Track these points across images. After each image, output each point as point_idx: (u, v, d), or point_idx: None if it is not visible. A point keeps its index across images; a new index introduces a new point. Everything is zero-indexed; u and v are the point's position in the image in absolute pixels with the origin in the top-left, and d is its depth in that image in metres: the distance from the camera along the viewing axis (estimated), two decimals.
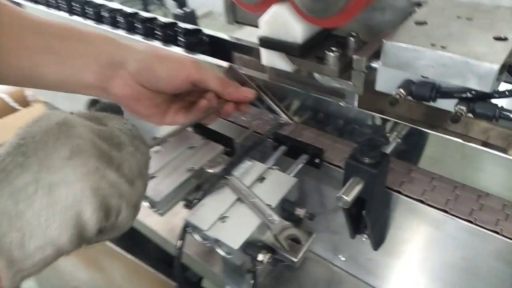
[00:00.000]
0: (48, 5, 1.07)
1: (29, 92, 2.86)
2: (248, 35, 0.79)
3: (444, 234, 0.54)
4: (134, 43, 0.58)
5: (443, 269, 0.58)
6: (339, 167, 0.60)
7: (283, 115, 0.64)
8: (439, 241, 0.56)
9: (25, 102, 2.86)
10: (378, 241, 0.60)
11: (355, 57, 0.50)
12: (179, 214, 0.60)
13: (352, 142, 0.64)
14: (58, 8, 1.04)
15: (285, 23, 0.55)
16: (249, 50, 0.83)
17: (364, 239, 0.60)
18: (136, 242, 1.53)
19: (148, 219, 0.88)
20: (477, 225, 0.51)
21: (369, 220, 0.53)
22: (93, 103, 1.03)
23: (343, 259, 0.72)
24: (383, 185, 0.53)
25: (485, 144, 0.53)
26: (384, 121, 0.58)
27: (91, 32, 0.56)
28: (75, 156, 0.33)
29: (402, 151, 0.58)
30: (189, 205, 0.52)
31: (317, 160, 0.58)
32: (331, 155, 0.62)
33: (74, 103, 1.19)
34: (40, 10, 1.08)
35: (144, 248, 1.59)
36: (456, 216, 0.52)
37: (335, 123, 0.64)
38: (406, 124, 0.55)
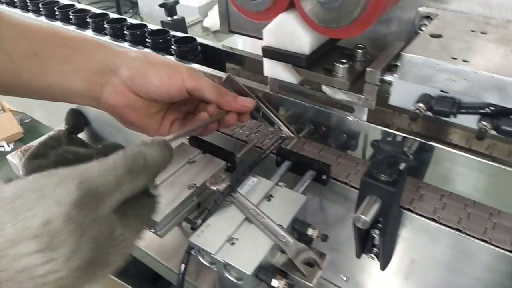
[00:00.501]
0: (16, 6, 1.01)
1: None
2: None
3: (457, 253, 0.53)
4: (126, 49, 0.54)
5: None
6: (345, 183, 0.58)
7: (285, 129, 0.61)
8: (451, 260, 0.54)
9: None
10: (386, 261, 0.58)
11: (368, 69, 0.48)
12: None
13: (356, 157, 0.62)
14: (36, 12, 0.98)
15: (292, 32, 0.52)
16: (243, 60, 0.81)
17: (370, 259, 0.58)
18: None
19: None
20: (492, 244, 0.49)
21: (383, 240, 0.50)
22: (72, 114, 0.97)
23: (344, 278, 0.69)
24: (398, 204, 0.50)
25: (494, 159, 0.52)
26: (386, 135, 0.56)
27: (80, 37, 0.52)
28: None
29: (410, 167, 0.56)
30: (195, 227, 0.48)
31: (324, 177, 0.56)
32: (335, 171, 0.60)
33: (51, 112, 1.13)
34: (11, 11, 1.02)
35: (125, 267, 1.51)
36: (471, 236, 0.50)
37: (338, 137, 0.62)
38: (417, 139, 0.53)
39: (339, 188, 0.59)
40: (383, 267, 0.58)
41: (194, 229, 0.51)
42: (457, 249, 0.52)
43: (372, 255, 0.57)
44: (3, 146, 2.59)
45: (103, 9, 0.89)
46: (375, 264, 0.59)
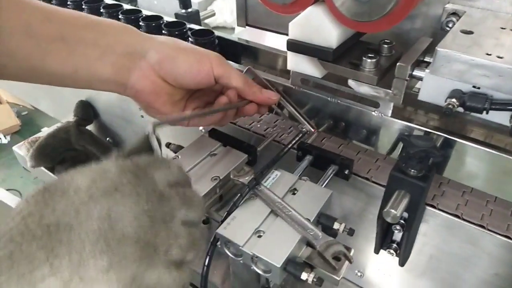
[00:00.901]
0: None
1: None
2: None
3: (478, 250, 0.53)
4: (154, 35, 0.54)
5: (474, 286, 0.56)
6: (367, 179, 0.58)
7: (306, 123, 0.61)
8: (471, 257, 0.54)
9: None
10: (406, 257, 0.58)
11: (399, 64, 0.48)
12: None
13: (376, 152, 0.62)
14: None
15: (320, 26, 0.52)
16: (258, 54, 0.80)
17: (390, 254, 0.58)
18: None
19: None
20: None
21: (407, 236, 0.50)
22: (82, 105, 0.96)
23: (359, 274, 0.69)
24: (425, 199, 0.50)
25: None
26: (411, 130, 0.56)
27: (107, 21, 0.51)
28: (112, 269, 0.27)
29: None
30: (213, 220, 0.48)
31: (346, 172, 0.56)
32: (355, 166, 0.60)
33: (58, 104, 1.11)
34: None
35: None
36: (493, 232, 0.50)
37: (358, 132, 0.62)
38: (441, 135, 0.53)
39: (360, 183, 0.59)
40: (402, 263, 0.58)
41: (205, 222, 0.51)
42: (478, 245, 0.53)
43: (391, 251, 0.57)
44: (0, 138, 2.55)
45: None
46: (391, 260, 0.59)
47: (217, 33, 0.77)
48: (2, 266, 0.25)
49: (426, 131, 0.54)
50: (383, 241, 0.57)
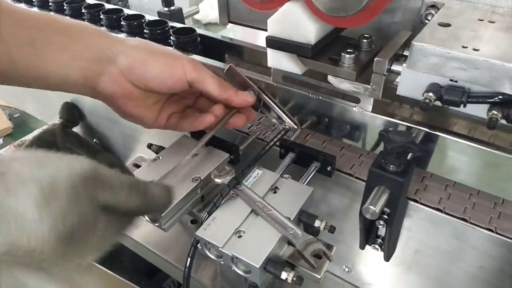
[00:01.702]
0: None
1: None
2: None
3: (462, 244, 0.53)
4: (126, 38, 0.53)
5: (460, 280, 0.56)
6: (350, 174, 0.58)
7: (288, 120, 0.61)
8: (456, 251, 0.54)
9: None
10: (390, 252, 0.58)
11: (376, 59, 0.48)
12: None
13: (359, 148, 0.62)
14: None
15: (298, 22, 0.52)
16: (242, 51, 0.80)
17: (375, 250, 0.57)
18: (111, 254, 1.45)
19: (134, 231, 0.82)
20: (497, 233, 0.49)
21: (389, 231, 0.50)
22: (67, 107, 0.95)
23: (346, 270, 0.69)
24: (406, 194, 0.50)
25: (499, 148, 0.52)
26: (392, 125, 0.56)
27: (80, 24, 0.51)
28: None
29: (414, 157, 0.56)
30: (198, 220, 0.48)
31: (329, 168, 0.55)
32: (339, 162, 0.59)
33: (44, 106, 1.11)
34: None
35: (121, 260, 1.50)
36: (476, 225, 0.50)
37: (341, 128, 0.61)
38: (422, 129, 0.53)
39: (343, 179, 0.58)
40: (387, 258, 0.58)
41: (194, 222, 0.50)
42: (462, 238, 0.53)
43: (377, 246, 0.57)
44: None
45: None
46: (378, 255, 0.59)
47: (199, 31, 0.76)
48: None
49: (407, 125, 0.54)
50: (368, 236, 0.57)
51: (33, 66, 0.47)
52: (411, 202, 0.54)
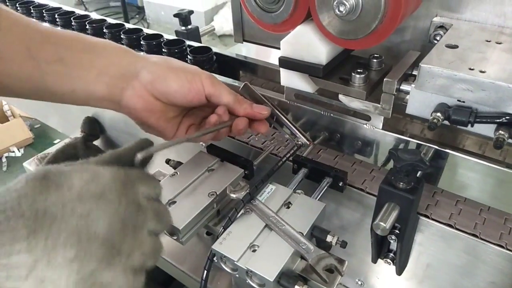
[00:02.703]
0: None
1: (6, 107, 2.77)
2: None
3: (473, 259, 0.53)
4: (147, 55, 0.56)
5: None
6: (361, 190, 0.59)
7: (300, 136, 0.62)
8: (467, 266, 0.55)
9: (3, 118, 2.77)
10: (402, 266, 0.59)
11: (386, 79, 0.49)
12: None
13: (371, 164, 0.63)
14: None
15: (309, 43, 0.54)
16: (256, 68, 0.82)
17: (387, 264, 0.59)
18: None
19: None
20: (508, 249, 0.50)
21: (400, 246, 0.51)
22: (88, 121, 0.99)
23: (359, 283, 0.70)
24: (416, 210, 0.51)
25: (508, 166, 0.53)
26: (402, 142, 0.57)
27: (103, 42, 0.54)
28: (76, 260, 0.31)
29: (425, 174, 0.57)
30: (213, 234, 0.50)
31: (341, 184, 0.57)
32: (351, 178, 0.61)
33: (66, 120, 1.15)
34: None
35: None
36: (487, 241, 0.51)
37: (353, 144, 0.63)
38: (432, 146, 0.54)
39: (355, 194, 0.60)
40: (399, 272, 0.59)
41: (209, 234, 0.52)
42: (473, 254, 0.53)
43: (389, 260, 0.58)
44: (14, 152, 2.62)
45: (109, 15, 0.91)
46: (390, 268, 0.60)
47: (215, 49, 0.79)
48: None
49: (417, 143, 0.55)
50: (380, 250, 0.58)
51: (62, 82, 0.50)
52: (422, 218, 0.55)
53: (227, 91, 0.55)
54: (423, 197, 0.57)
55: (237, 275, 0.48)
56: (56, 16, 0.95)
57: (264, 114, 0.58)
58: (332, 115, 0.60)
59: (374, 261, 0.59)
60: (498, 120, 0.44)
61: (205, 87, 0.53)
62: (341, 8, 0.47)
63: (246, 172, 0.60)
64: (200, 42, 0.84)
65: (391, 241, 0.55)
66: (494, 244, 0.51)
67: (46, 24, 1.00)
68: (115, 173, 0.36)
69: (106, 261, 0.32)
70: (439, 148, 0.54)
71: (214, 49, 0.79)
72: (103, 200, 0.34)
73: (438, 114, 0.45)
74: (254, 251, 0.47)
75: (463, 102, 0.45)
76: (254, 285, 0.46)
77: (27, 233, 0.29)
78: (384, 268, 0.65)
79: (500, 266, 0.52)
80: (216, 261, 0.49)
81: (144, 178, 0.38)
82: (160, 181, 0.44)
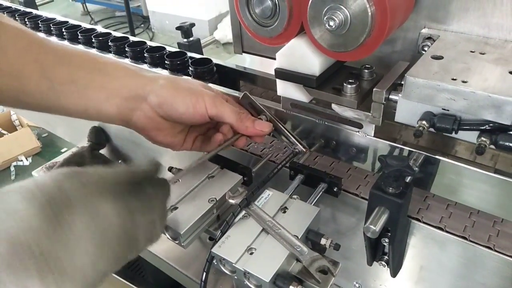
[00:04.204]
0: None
1: (14, 116, 2.82)
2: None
3: (464, 260, 0.55)
4: (155, 74, 0.59)
5: None
6: (356, 195, 0.61)
7: (298, 144, 0.65)
8: (458, 267, 0.57)
9: (11, 127, 2.82)
10: (396, 268, 0.61)
11: (375, 89, 0.52)
12: None
13: (365, 170, 0.65)
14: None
15: (303, 56, 0.56)
16: (255, 79, 0.85)
17: (382, 266, 0.61)
18: (135, 268, 1.51)
19: (155, 247, 0.87)
20: (496, 251, 0.52)
21: (392, 248, 0.54)
22: (95, 131, 1.02)
23: (357, 285, 0.72)
24: (406, 214, 0.54)
25: (496, 171, 0.55)
26: (397, 149, 0.59)
27: (113, 63, 0.57)
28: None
29: (416, 179, 0.59)
30: (214, 238, 0.52)
31: (335, 189, 0.59)
32: (346, 183, 0.63)
33: (73, 130, 1.18)
34: None
35: (144, 275, 1.55)
36: (475, 243, 0.53)
37: (348, 151, 0.65)
38: (422, 153, 0.57)
39: (350, 199, 0.62)
40: (394, 274, 0.61)
41: (212, 239, 0.55)
42: (464, 256, 0.55)
43: (383, 263, 0.60)
44: (21, 161, 2.66)
45: (115, 25, 0.94)
46: (386, 271, 0.62)
47: (215, 60, 0.82)
48: None
49: (408, 150, 0.57)
50: (375, 253, 0.60)
51: (75, 102, 0.53)
52: (414, 221, 0.57)
53: (229, 111, 0.58)
54: (415, 201, 0.59)
55: (235, 277, 0.50)
56: (63, 30, 0.99)
57: (266, 132, 0.61)
58: (326, 123, 0.63)
59: (370, 263, 0.61)
60: (481, 128, 0.46)
61: (208, 110, 0.57)
62: (331, 23, 0.49)
63: (245, 178, 0.62)
64: (202, 54, 0.87)
65: (385, 244, 0.57)
66: (482, 246, 0.53)
67: (54, 39, 1.03)
68: (118, 212, 0.39)
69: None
70: (429, 155, 0.56)
71: (215, 60, 0.82)
72: (105, 247, 0.37)
73: (424, 122, 0.47)
74: (251, 253, 0.49)
75: (448, 110, 0.47)
76: (252, 286, 0.49)
77: (37, 272, 0.31)
78: (381, 271, 0.67)
79: (490, 267, 0.54)
80: (216, 263, 0.51)
81: (148, 205, 0.43)
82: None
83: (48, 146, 2.82)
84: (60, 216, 0.35)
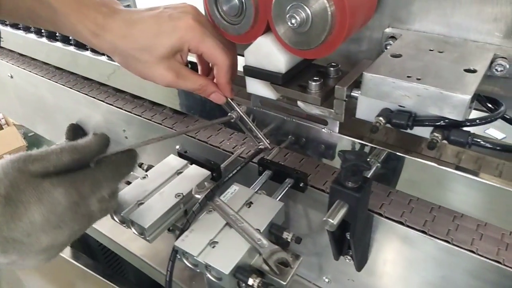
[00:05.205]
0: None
1: (0, 115, 2.80)
2: None
3: (424, 254, 0.57)
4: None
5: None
6: (323, 190, 0.63)
7: (263, 140, 0.66)
8: (419, 261, 0.58)
9: None
10: (361, 262, 0.62)
11: (336, 86, 0.53)
12: (165, 239, 0.61)
13: (333, 166, 0.67)
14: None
15: (269, 53, 0.57)
16: None
17: (347, 260, 0.62)
18: (116, 268, 1.51)
19: (132, 244, 0.88)
20: (454, 244, 0.53)
21: (353, 242, 0.55)
22: (72, 128, 1.03)
23: (326, 280, 0.73)
24: (366, 208, 0.55)
25: (458, 167, 0.56)
26: (363, 146, 0.60)
27: None
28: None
29: (381, 175, 0.61)
30: (173, 229, 0.53)
31: (301, 184, 0.60)
32: (314, 179, 0.64)
33: (53, 127, 1.18)
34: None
35: (125, 274, 1.55)
36: (434, 237, 0.54)
37: (317, 148, 0.67)
38: (384, 149, 0.58)
39: (318, 195, 0.63)
40: (359, 268, 0.62)
41: (171, 231, 0.56)
42: (423, 249, 0.57)
43: (349, 257, 0.62)
44: None
45: None
46: (353, 265, 0.63)
47: (189, 58, 0.83)
48: None
49: (371, 146, 0.59)
50: (341, 248, 0.61)
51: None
52: (376, 215, 0.58)
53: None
54: (379, 197, 0.61)
55: (198, 270, 0.51)
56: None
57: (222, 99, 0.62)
58: (294, 120, 0.64)
59: (336, 258, 0.63)
60: (435, 123, 0.47)
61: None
62: (293, 21, 0.50)
63: (214, 174, 0.63)
64: None
65: (349, 238, 0.58)
66: (441, 240, 0.54)
67: (29, 36, 1.03)
68: (69, 196, 0.41)
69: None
70: (391, 151, 0.57)
71: (189, 58, 0.83)
72: (63, 227, 0.41)
73: (380, 118, 0.48)
74: (213, 247, 0.50)
75: (404, 107, 0.48)
76: (213, 279, 0.49)
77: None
78: (350, 266, 0.68)
79: (448, 261, 0.55)
80: (179, 257, 0.52)
81: (96, 183, 0.45)
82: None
83: (33, 145, 2.80)
84: (14, 206, 0.37)
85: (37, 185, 0.39)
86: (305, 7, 0.50)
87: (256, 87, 0.63)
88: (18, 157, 0.41)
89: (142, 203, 0.57)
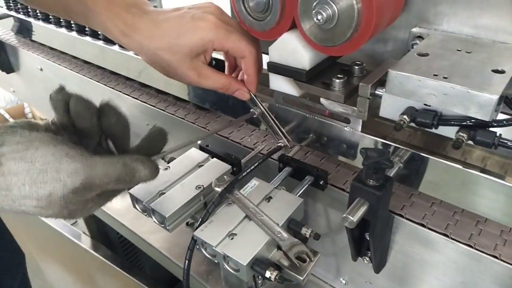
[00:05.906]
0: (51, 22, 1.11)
1: (27, 109, 2.89)
2: None
3: (444, 258, 0.56)
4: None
5: None
6: (343, 189, 0.62)
7: (283, 138, 0.66)
8: (439, 265, 0.57)
9: (23, 118, 2.88)
10: (379, 264, 0.61)
11: (361, 84, 0.53)
12: (183, 233, 0.62)
13: (355, 166, 0.66)
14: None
15: (294, 50, 0.58)
16: None
17: (366, 262, 0.61)
18: (134, 260, 1.53)
19: (151, 237, 0.89)
20: (476, 249, 0.52)
21: (372, 242, 0.54)
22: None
23: (343, 282, 0.73)
24: (387, 207, 0.54)
25: (483, 170, 0.55)
26: (386, 145, 0.60)
27: None
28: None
29: (403, 176, 0.60)
30: (192, 224, 0.54)
31: (321, 182, 0.60)
32: (334, 178, 0.64)
33: None
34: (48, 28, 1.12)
35: (142, 267, 1.58)
36: (456, 240, 0.53)
37: (338, 147, 0.66)
38: (408, 150, 0.57)
39: (337, 194, 0.63)
40: (377, 270, 0.62)
41: (190, 224, 0.57)
42: (444, 253, 0.56)
43: (367, 258, 0.61)
44: None
45: None
46: (371, 267, 0.62)
47: (214, 55, 0.84)
48: None
49: (395, 146, 0.58)
50: (359, 249, 0.61)
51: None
52: (397, 217, 0.58)
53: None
54: (400, 198, 0.60)
55: (216, 261, 0.51)
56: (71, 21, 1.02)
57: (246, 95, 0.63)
58: (316, 117, 0.64)
59: (354, 259, 0.62)
60: (461, 123, 0.46)
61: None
62: (319, 17, 0.51)
63: (234, 168, 0.64)
64: None
65: (368, 238, 0.58)
66: (463, 243, 0.53)
67: (63, 30, 1.07)
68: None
69: None
70: (415, 152, 0.57)
71: (214, 55, 0.84)
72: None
73: (405, 116, 0.48)
74: (232, 238, 0.51)
75: (429, 106, 0.48)
76: (230, 270, 0.50)
77: None
78: (368, 268, 0.67)
79: (469, 266, 0.54)
80: (197, 246, 0.53)
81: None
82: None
83: None
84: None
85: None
86: (331, 3, 0.50)
87: (280, 83, 0.63)
88: (81, 187, 0.39)
89: (164, 193, 0.58)
